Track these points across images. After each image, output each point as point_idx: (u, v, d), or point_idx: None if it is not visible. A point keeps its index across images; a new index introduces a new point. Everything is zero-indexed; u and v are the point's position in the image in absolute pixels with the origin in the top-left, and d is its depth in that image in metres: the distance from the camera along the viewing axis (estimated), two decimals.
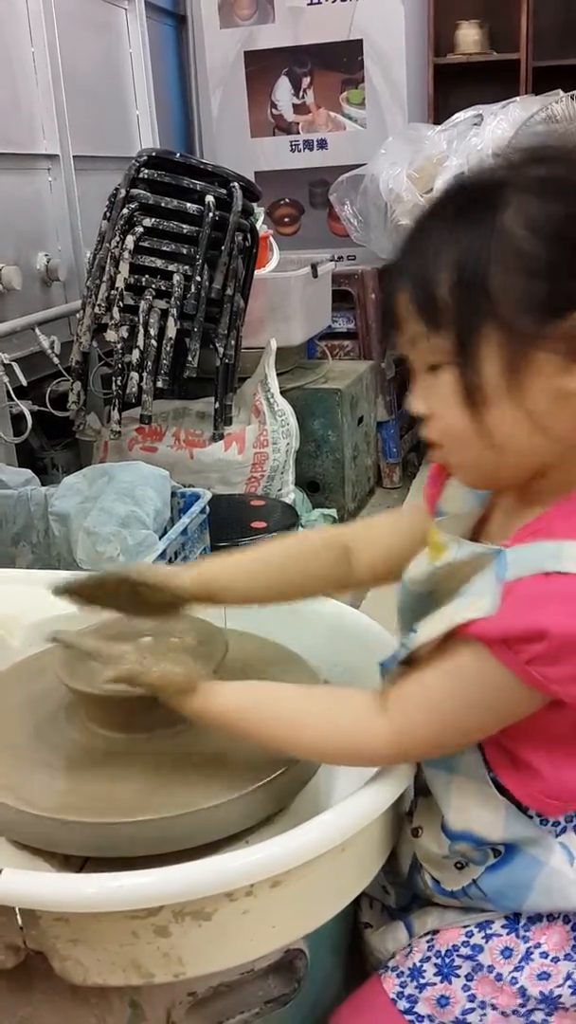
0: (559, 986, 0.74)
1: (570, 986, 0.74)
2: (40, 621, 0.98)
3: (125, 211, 2.16)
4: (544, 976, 0.74)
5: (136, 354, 2.17)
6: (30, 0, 2.37)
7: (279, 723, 0.73)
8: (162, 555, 1.67)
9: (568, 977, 0.74)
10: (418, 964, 0.78)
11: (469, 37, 3.49)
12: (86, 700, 0.83)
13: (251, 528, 2.21)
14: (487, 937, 0.76)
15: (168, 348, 2.18)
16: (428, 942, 0.78)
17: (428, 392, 0.69)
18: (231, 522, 2.11)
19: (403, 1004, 0.77)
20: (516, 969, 0.75)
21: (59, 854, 0.76)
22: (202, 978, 0.70)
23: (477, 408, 0.66)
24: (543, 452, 0.68)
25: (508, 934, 0.76)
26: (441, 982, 0.76)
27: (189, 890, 0.64)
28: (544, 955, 0.75)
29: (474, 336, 0.65)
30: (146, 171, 2.21)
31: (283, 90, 3.43)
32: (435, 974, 0.77)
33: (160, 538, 1.69)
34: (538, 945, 0.75)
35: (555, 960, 0.74)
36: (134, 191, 2.19)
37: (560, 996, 0.74)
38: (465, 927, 0.77)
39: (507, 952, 0.75)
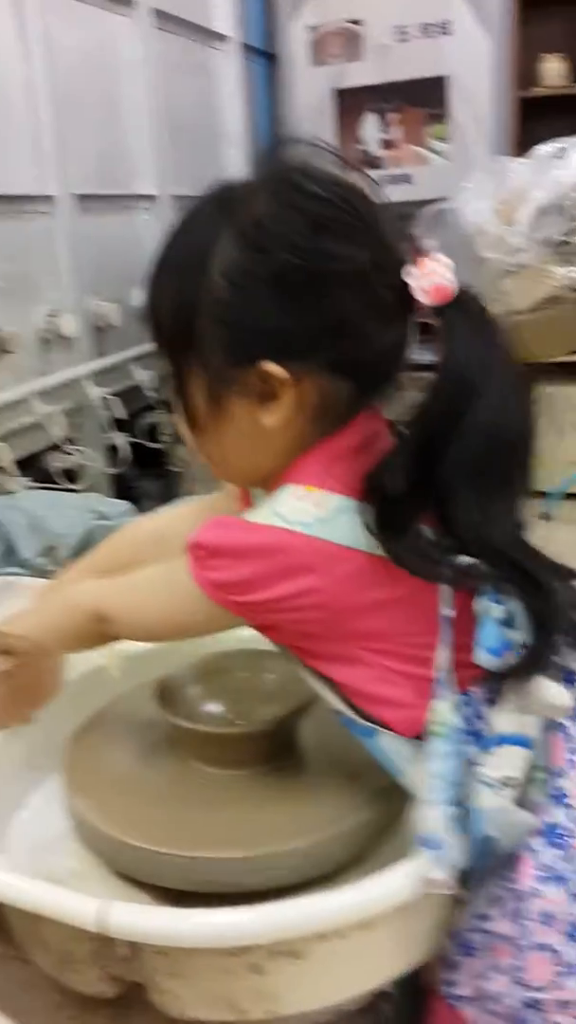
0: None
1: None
2: (138, 652, 1.01)
3: None
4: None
5: None
6: (136, 48, 2.47)
7: None
8: None
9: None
10: (452, 949, 0.74)
11: (553, 70, 3.46)
12: (185, 734, 0.85)
13: None
14: (491, 903, 0.71)
15: None
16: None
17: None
18: None
19: (445, 990, 0.74)
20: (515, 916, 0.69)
21: (157, 886, 0.78)
22: (292, 1017, 0.71)
23: (192, 428, 0.73)
24: (252, 472, 0.74)
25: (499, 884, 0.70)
26: (464, 957, 0.72)
27: (283, 928, 0.65)
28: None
29: (183, 368, 0.71)
30: None
31: (370, 126, 3.46)
32: (456, 953, 0.73)
33: None
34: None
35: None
36: None
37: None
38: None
39: (516, 912, 0.70)
